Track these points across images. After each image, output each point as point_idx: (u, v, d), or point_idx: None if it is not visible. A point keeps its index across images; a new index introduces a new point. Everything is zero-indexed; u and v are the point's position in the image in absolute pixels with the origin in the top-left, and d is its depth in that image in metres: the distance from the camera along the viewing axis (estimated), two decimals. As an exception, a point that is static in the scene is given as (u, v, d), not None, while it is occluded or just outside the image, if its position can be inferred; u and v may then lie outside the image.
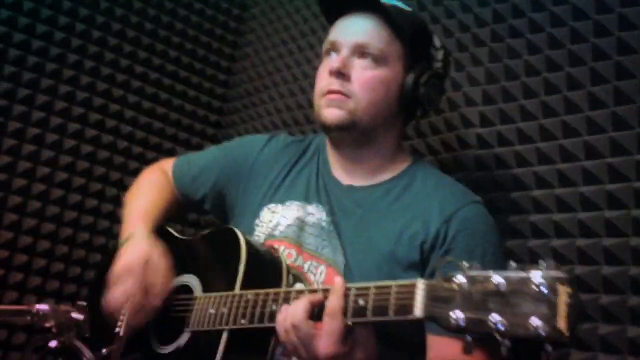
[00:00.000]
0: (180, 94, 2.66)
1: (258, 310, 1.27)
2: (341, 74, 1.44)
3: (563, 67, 1.60)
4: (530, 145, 1.65)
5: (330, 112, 1.45)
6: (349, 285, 1.15)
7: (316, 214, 1.52)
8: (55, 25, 2.29)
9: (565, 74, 1.59)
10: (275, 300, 1.25)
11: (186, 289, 1.49)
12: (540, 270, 0.89)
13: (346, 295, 1.13)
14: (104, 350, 1.19)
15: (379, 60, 1.45)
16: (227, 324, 1.31)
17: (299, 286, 1.43)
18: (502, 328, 0.89)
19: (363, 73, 1.44)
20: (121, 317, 1.54)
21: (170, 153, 2.56)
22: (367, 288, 1.12)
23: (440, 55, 1.53)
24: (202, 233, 1.66)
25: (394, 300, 1.07)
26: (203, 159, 1.79)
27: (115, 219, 2.38)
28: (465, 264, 0.97)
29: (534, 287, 0.88)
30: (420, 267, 1.37)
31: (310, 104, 2.38)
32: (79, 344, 1.16)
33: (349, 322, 1.13)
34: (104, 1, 2.42)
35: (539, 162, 1.63)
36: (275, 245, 1.51)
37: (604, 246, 1.47)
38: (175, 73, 2.64)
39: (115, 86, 2.45)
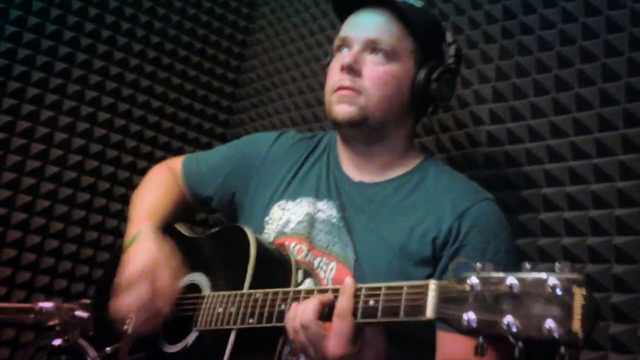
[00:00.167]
0: (189, 93, 2.66)
1: (267, 309, 1.25)
2: (352, 70, 1.43)
3: (574, 64, 1.58)
4: (541, 142, 1.64)
5: (341, 108, 1.44)
6: (359, 285, 1.13)
7: (327, 210, 1.51)
8: (65, 25, 2.29)
9: (576, 70, 1.58)
10: (284, 300, 1.24)
11: (194, 288, 1.48)
12: (555, 271, 0.87)
13: (356, 296, 1.12)
14: (108, 349, 1.18)
15: (390, 56, 1.44)
16: (235, 323, 1.30)
17: (308, 282, 1.42)
18: (515, 330, 0.87)
19: (374, 69, 1.44)
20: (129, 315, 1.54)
21: (178, 152, 2.55)
22: (378, 288, 1.10)
23: (452, 50, 1.52)
24: (210, 231, 1.65)
25: (405, 301, 1.05)
26: (212, 158, 1.78)
27: (124, 218, 2.37)
28: (478, 264, 0.95)
29: (548, 288, 0.86)
30: (432, 263, 1.36)
31: (319, 102, 2.38)
32: (83, 342, 1.15)
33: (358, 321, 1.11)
34: (114, 0, 2.42)
35: (550, 159, 1.62)
36: (286, 242, 1.50)
37: (615, 244, 1.45)
38: (184, 72, 2.64)
39: (125, 85, 2.45)
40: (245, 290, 1.33)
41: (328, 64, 1.56)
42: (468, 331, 0.93)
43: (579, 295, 0.84)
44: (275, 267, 1.41)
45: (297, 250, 1.48)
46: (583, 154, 1.55)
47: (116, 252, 2.00)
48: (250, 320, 1.27)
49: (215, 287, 1.44)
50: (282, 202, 1.58)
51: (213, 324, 1.35)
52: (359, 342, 1.12)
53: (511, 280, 0.90)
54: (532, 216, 1.64)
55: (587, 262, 1.50)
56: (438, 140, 1.92)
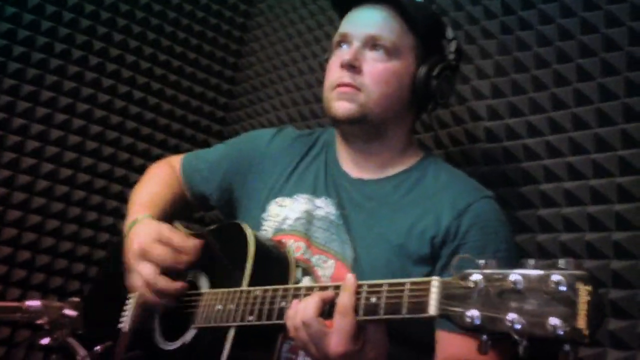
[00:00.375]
0: (186, 90, 2.65)
1: (266, 307, 1.24)
2: (352, 67, 1.42)
3: (573, 59, 1.57)
4: (540, 138, 1.63)
5: (340, 106, 1.43)
6: (361, 282, 1.12)
7: (325, 207, 1.50)
8: (60, 22, 2.28)
9: (575, 65, 1.57)
10: (284, 297, 1.22)
11: (193, 285, 1.47)
12: (559, 268, 0.86)
13: (358, 293, 1.11)
14: (97, 348, 1.16)
15: (391, 52, 1.43)
16: (234, 320, 1.28)
17: (307, 280, 1.41)
18: (519, 327, 0.86)
19: (375, 66, 1.42)
20: (125, 312, 1.53)
21: (175, 149, 2.54)
22: (380, 285, 1.09)
23: (452, 46, 1.50)
24: (209, 228, 1.64)
25: (408, 299, 1.04)
26: (211, 155, 1.78)
27: (120, 215, 2.37)
28: (481, 261, 0.94)
29: (552, 285, 0.85)
30: (431, 262, 1.35)
31: (317, 99, 2.37)
32: (72, 341, 1.13)
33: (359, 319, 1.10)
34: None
35: (548, 155, 1.61)
36: (284, 240, 1.49)
37: (614, 240, 1.44)
38: (181, 69, 2.63)
39: (121, 82, 2.44)
40: (244, 287, 1.32)
41: (327, 59, 1.55)
42: (472, 328, 0.91)
43: (583, 292, 0.83)
44: (274, 264, 1.39)
45: (295, 247, 1.47)
46: (582, 149, 1.54)
47: (113, 250, 1.99)
48: (250, 318, 1.26)
49: (213, 285, 1.42)
50: (279, 199, 1.57)
51: (212, 321, 1.33)
52: (360, 340, 1.11)
53: (515, 276, 0.89)
54: (531, 212, 1.63)
55: (585, 258, 1.49)
56: (436, 137, 1.90)
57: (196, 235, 1.63)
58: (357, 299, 1.10)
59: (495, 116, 1.74)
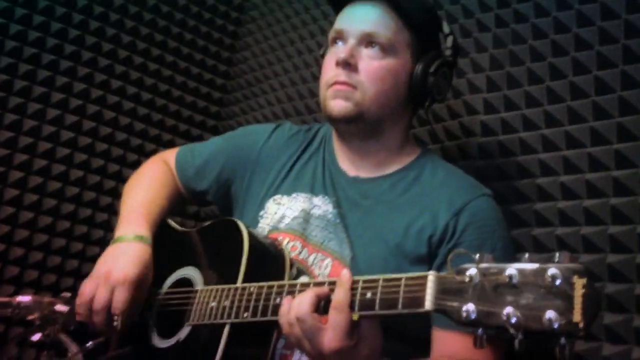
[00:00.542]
0: (179, 85, 2.63)
1: (262, 303, 1.23)
2: (348, 64, 1.40)
3: (569, 52, 1.57)
4: (535, 132, 1.62)
5: (336, 104, 1.41)
6: (356, 277, 1.11)
7: (322, 206, 1.49)
8: (52, 17, 2.26)
9: (571, 58, 1.56)
10: (279, 294, 1.21)
11: (187, 282, 1.46)
12: (555, 261, 0.86)
13: (353, 288, 1.10)
14: (89, 344, 1.15)
15: (387, 49, 1.41)
16: (229, 317, 1.28)
17: (303, 279, 1.40)
18: (515, 321, 0.85)
19: (371, 63, 1.41)
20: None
21: (169, 145, 2.52)
22: (376, 280, 1.08)
23: (449, 42, 1.49)
24: (203, 225, 1.62)
25: (404, 293, 1.03)
26: (207, 149, 1.75)
27: (114, 211, 2.35)
28: (476, 256, 0.94)
29: (548, 278, 0.85)
30: (428, 261, 1.34)
31: (312, 94, 2.36)
32: (64, 337, 1.12)
33: (355, 316, 1.09)
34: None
35: (544, 149, 1.60)
36: (280, 238, 1.48)
37: (610, 234, 1.44)
38: (174, 64, 2.61)
39: (114, 77, 2.41)
40: (239, 284, 1.31)
41: (322, 55, 1.54)
42: (467, 323, 0.91)
43: (579, 285, 0.83)
44: (269, 261, 1.39)
45: (290, 247, 1.46)
46: (578, 143, 1.53)
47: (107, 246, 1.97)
48: (245, 314, 1.25)
49: (208, 281, 1.41)
50: (277, 197, 1.56)
51: (206, 318, 1.32)
52: (355, 336, 1.10)
53: (510, 270, 0.88)
54: (527, 206, 1.62)
55: (581, 252, 1.49)
56: (432, 131, 1.89)
57: (191, 232, 1.62)
58: (353, 295, 1.09)
59: (491, 110, 1.73)
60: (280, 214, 1.52)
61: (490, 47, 1.76)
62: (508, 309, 0.86)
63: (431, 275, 1.00)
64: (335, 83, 1.42)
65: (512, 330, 0.86)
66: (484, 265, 0.92)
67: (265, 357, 1.30)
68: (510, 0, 1.71)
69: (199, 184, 1.72)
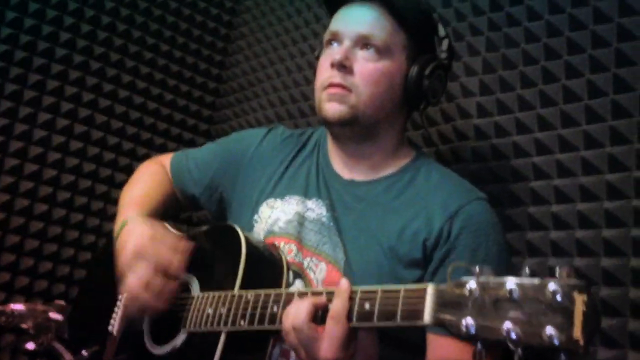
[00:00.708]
0: (172, 89, 2.62)
1: (258, 311, 1.22)
2: (343, 66, 1.39)
3: (561, 55, 1.57)
4: (529, 135, 1.62)
5: (331, 107, 1.41)
6: (354, 288, 1.10)
7: (316, 209, 1.48)
8: (43, 20, 2.25)
9: (563, 62, 1.56)
10: (276, 302, 1.20)
11: (183, 288, 1.45)
12: (556, 277, 0.85)
13: (351, 299, 1.09)
14: (84, 352, 1.14)
15: (382, 51, 1.40)
16: (225, 324, 1.26)
17: (298, 283, 1.40)
18: (515, 337, 0.84)
19: (366, 65, 1.40)
20: (114, 315, 1.51)
21: (162, 149, 2.52)
22: (374, 292, 1.07)
23: (444, 45, 1.48)
24: (200, 229, 1.61)
25: (402, 306, 1.02)
26: (201, 154, 1.75)
27: (105, 216, 2.35)
28: (476, 268, 0.93)
29: (549, 294, 0.83)
30: (423, 265, 1.33)
31: (305, 97, 2.35)
32: (58, 345, 1.10)
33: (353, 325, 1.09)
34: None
35: (537, 152, 1.60)
36: (275, 242, 1.47)
37: (604, 237, 1.44)
38: (166, 67, 2.60)
39: (106, 81, 2.40)
40: (236, 290, 1.30)
41: (317, 57, 1.53)
42: (467, 337, 0.90)
43: (579, 302, 0.82)
44: (267, 267, 1.38)
45: (286, 250, 1.45)
46: (571, 146, 1.53)
47: (99, 252, 1.96)
48: (242, 322, 1.24)
49: (204, 287, 1.40)
50: (270, 200, 1.55)
51: (203, 325, 1.31)
52: (351, 347, 1.10)
53: (511, 285, 0.87)
54: (520, 210, 1.62)
55: (575, 256, 1.49)
56: (425, 134, 1.89)
57: (187, 236, 1.61)
58: (351, 305, 1.08)
59: (484, 113, 1.73)
60: (274, 217, 1.51)
61: (483, 50, 1.76)
62: (508, 324, 0.85)
63: (430, 288, 0.99)
64: (330, 85, 1.41)
65: (511, 346, 0.85)
66: (483, 278, 0.91)
67: None
68: (502, 3, 1.71)
69: (193, 188, 1.72)
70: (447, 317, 0.94)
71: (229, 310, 1.27)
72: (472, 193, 1.40)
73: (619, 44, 1.45)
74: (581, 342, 0.81)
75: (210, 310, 1.30)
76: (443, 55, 1.47)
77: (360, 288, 1.09)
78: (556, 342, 0.81)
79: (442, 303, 0.96)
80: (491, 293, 0.89)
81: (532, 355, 0.84)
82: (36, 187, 2.21)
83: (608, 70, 1.47)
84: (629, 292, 1.39)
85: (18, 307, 1.09)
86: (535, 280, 0.86)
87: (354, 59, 1.40)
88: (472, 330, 0.89)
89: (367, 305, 1.06)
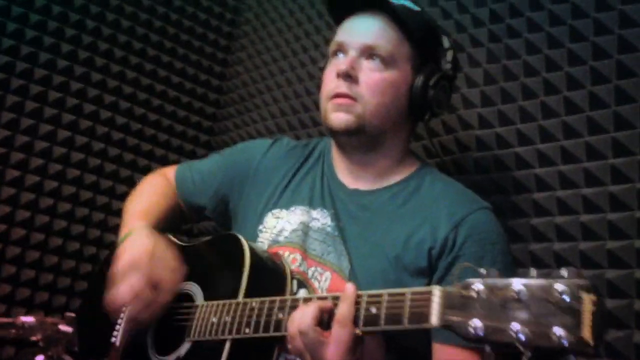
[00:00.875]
0: (173, 100, 2.62)
1: (263, 319, 1.22)
2: (349, 76, 1.40)
3: (562, 67, 1.57)
4: (530, 146, 1.62)
5: (337, 117, 1.41)
6: (360, 292, 1.10)
7: (321, 219, 1.48)
8: (45, 31, 2.25)
9: (564, 73, 1.56)
10: (281, 309, 1.20)
11: (187, 297, 1.44)
12: (563, 277, 0.84)
13: (357, 303, 1.09)
14: (93, 364, 1.14)
15: (387, 62, 1.41)
16: (230, 333, 1.26)
17: (302, 292, 1.39)
18: (524, 338, 0.84)
19: (371, 75, 1.41)
20: (117, 327, 1.50)
21: (162, 160, 2.52)
22: (380, 295, 1.07)
23: (449, 55, 1.49)
24: (203, 239, 1.61)
25: (409, 308, 1.02)
26: (205, 165, 1.76)
27: (106, 228, 2.34)
28: (482, 270, 0.92)
29: (556, 295, 0.83)
30: (428, 273, 1.33)
31: (305, 108, 2.36)
32: (67, 358, 1.10)
33: (358, 331, 1.08)
34: (96, 7, 2.38)
35: (540, 164, 1.60)
36: (280, 252, 1.47)
37: (608, 249, 1.43)
38: (167, 79, 2.61)
39: (107, 92, 2.41)
40: (241, 299, 1.29)
41: (323, 68, 1.54)
42: (475, 339, 0.89)
43: (587, 302, 0.82)
44: (270, 276, 1.37)
45: (290, 259, 1.45)
46: (573, 157, 1.53)
47: (101, 263, 1.95)
48: (247, 330, 1.24)
49: (208, 297, 1.40)
50: (276, 211, 1.55)
51: (207, 334, 1.31)
52: (358, 351, 1.09)
53: (518, 286, 0.87)
54: (524, 221, 1.62)
55: (579, 268, 1.48)
56: (427, 146, 1.89)
57: (191, 246, 1.61)
58: (357, 309, 1.08)
59: (486, 124, 1.73)
60: (280, 227, 1.52)
61: (483, 62, 1.77)
62: (516, 326, 0.85)
63: (436, 290, 0.98)
64: (336, 95, 1.42)
65: (520, 347, 0.84)
66: (490, 280, 0.91)
67: None
68: (503, 15, 1.72)
69: (198, 200, 1.72)
70: (455, 318, 0.93)
71: (233, 318, 1.27)
72: (477, 202, 1.40)
73: (620, 55, 1.46)
74: (590, 342, 0.80)
75: (214, 319, 1.30)
76: (448, 66, 1.48)
77: (366, 292, 1.09)
78: (565, 342, 0.81)
79: (449, 305, 0.95)
80: (498, 294, 0.89)
81: (540, 357, 0.84)
82: (37, 198, 2.21)
83: (609, 82, 1.47)
84: (634, 304, 1.38)
85: (29, 319, 1.09)
86: (543, 281, 0.85)
87: (359, 69, 1.41)
88: (481, 333, 0.88)
89: (373, 309, 1.06)
